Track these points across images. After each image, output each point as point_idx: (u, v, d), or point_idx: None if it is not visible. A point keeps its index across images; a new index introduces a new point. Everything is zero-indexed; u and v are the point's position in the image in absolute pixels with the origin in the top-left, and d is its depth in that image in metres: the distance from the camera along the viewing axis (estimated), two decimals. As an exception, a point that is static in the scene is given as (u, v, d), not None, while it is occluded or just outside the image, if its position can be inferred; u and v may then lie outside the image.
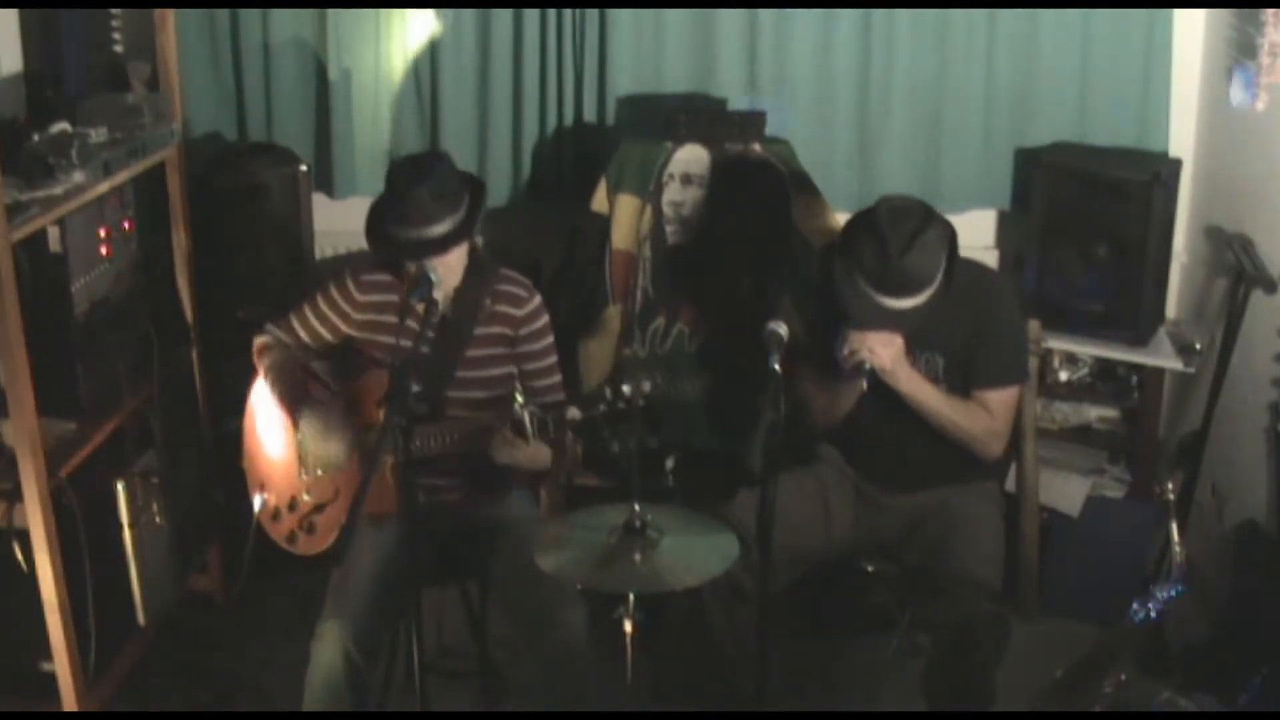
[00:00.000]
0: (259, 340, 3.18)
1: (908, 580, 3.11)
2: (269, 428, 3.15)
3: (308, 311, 3.13)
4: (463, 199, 2.98)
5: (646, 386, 2.61)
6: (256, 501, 3.14)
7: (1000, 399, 3.04)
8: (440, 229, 2.92)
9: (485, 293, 3.04)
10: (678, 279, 3.84)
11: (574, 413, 2.69)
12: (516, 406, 2.72)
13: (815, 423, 3.20)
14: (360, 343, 3.10)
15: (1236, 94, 3.59)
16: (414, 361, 2.61)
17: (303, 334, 3.14)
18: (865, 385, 2.99)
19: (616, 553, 2.52)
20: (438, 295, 2.86)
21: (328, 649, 2.79)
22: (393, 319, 3.02)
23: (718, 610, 3.01)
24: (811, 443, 3.27)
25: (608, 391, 2.65)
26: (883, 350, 2.92)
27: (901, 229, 2.85)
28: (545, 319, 3.11)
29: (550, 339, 3.12)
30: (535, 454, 2.90)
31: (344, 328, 3.11)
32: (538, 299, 3.11)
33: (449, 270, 2.96)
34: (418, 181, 2.90)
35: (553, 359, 3.12)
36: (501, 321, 3.06)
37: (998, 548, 3.09)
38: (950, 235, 2.93)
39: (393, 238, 2.93)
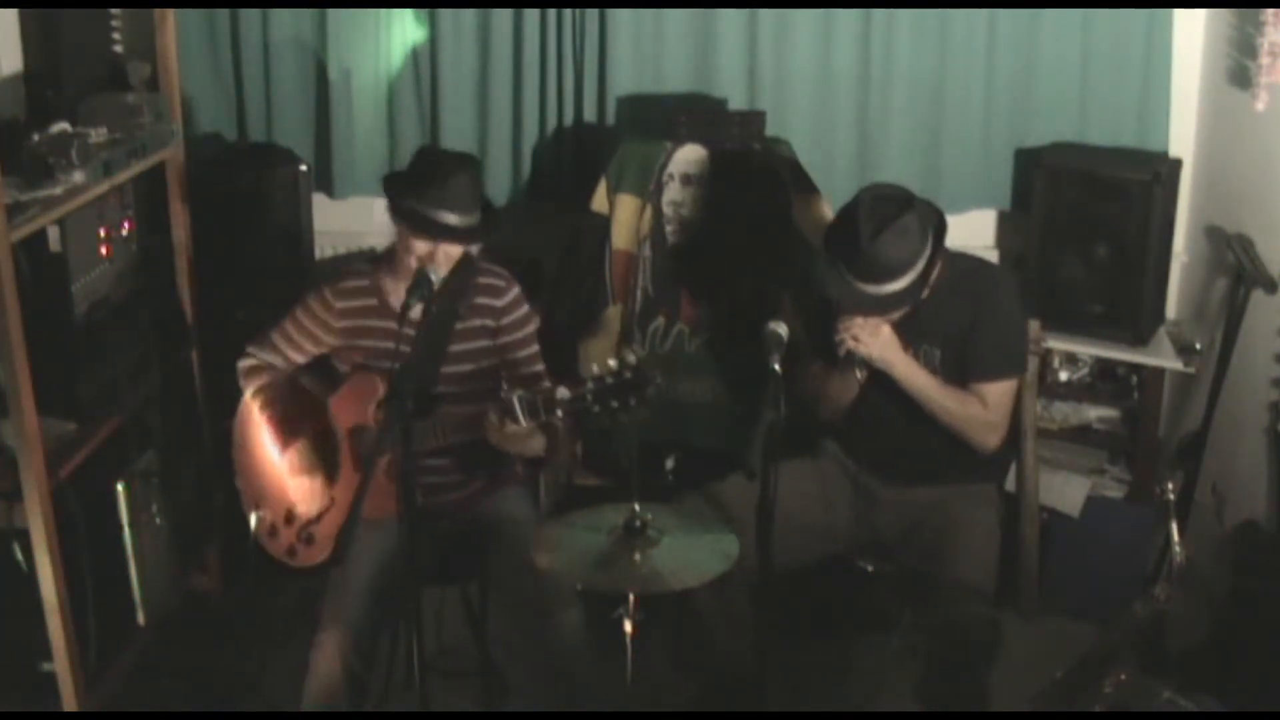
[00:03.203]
0: (243, 364, 3.18)
1: (906, 581, 3.11)
2: (258, 444, 3.15)
3: (289, 327, 3.13)
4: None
5: (632, 358, 2.62)
6: (253, 519, 3.14)
7: (994, 390, 3.03)
8: (471, 220, 2.95)
9: (467, 287, 3.04)
10: (678, 279, 3.84)
11: (563, 393, 2.69)
12: (504, 392, 2.72)
13: (819, 417, 3.21)
14: (343, 349, 3.10)
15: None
16: (416, 363, 2.61)
17: (286, 350, 3.14)
18: (861, 375, 3.00)
19: (616, 552, 2.52)
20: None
21: (327, 658, 2.79)
22: (373, 322, 3.03)
23: (709, 598, 3.00)
24: (813, 435, 3.27)
25: (595, 368, 2.66)
26: (869, 339, 2.94)
27: (876, 215, 2.87)
28: (526, 308, 3.12)
29: (532, 328, 3.12)
30: (529, 438, 2.89)
31: (325, 338, 3.11)
32: (517, 289, 3.11)
33: (448, 263, 2.97)
34: (460, 168, 2.96)
35: (535, 348, 3.12)
36: (482, 313, 3.06)
37: (992, 551, 3.09)
38: (936, 223, 2.94)
39: (425, 217, 2.92)
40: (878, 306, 2.92)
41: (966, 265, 3.11)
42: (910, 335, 3.00)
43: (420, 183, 2.95)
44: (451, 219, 2.92)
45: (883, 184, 3.02)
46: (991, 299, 3.06)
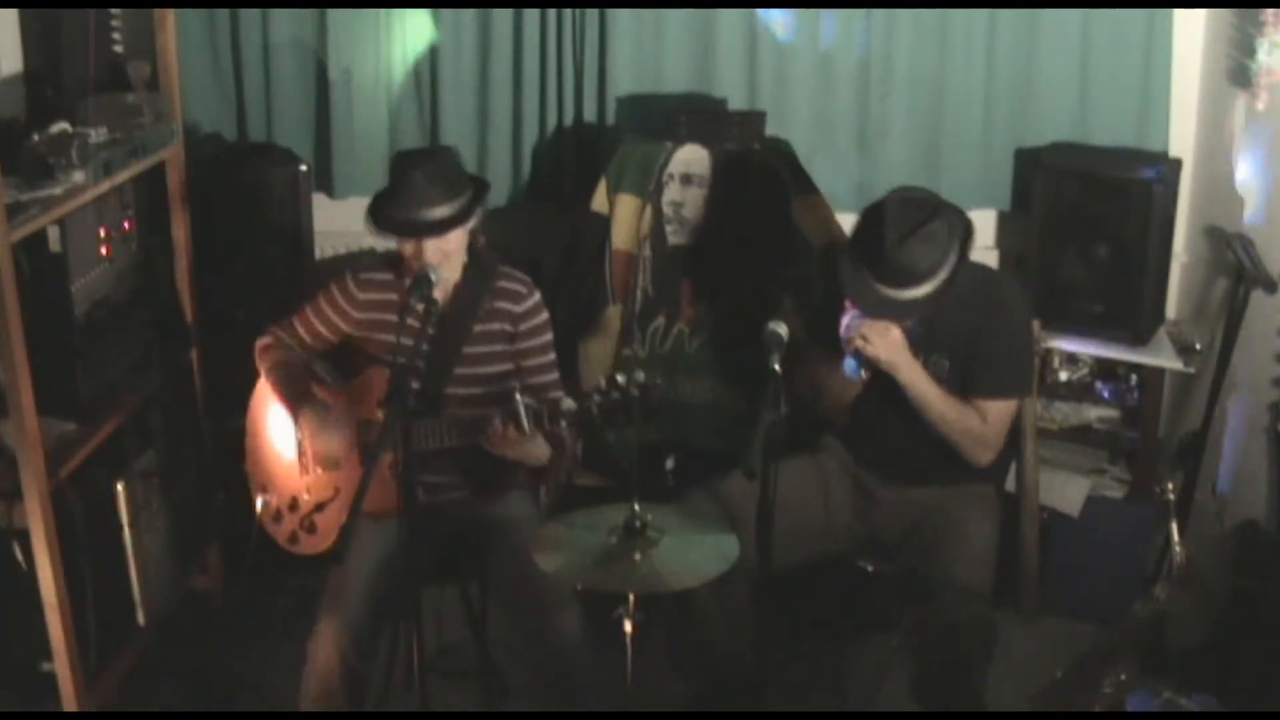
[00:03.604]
0: (261, 341, 3.19)
1: (906, 581, 3.11)
2: (271, 428, 3.16)
3: (309, 312, 3.15)
4: (464, 189, 3.00)
5: (641, 376, 2.62)
6: (259, 503, 3.15)
7: (995, 408, 3.02)
8: (438, 212, 2.94)
9: (485, 290, 3.05)
10: (678, 279, 3.84)
11: (569, 404, 2.70)
12: (514, 398, 2.73)
13: (820, 414, 3.20)
14: (361, 341, 3.10)
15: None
16: (415, 360, 2.62)
17: (304, 335, 3.15)
18: (864, 374, 2.99)
19: (616, 553, 2.52)
20: (437, 294, 2.87)
21: (324, 649, 2.79)
22: (393, 317, 3.02)
23: (709, 598, 3.00)
24: (817, 432, 3.27)
25: (603, 382, 2.66)
26: (878, 340, 2.92)
27: (905, 220, 2.84)
28: (545, 316, 3.12)
29: (549, 336, 3.13)
30: (533, 447, 2.90)
31: (345, 327, 3.11)
32: (537, 296, 3.11)
33: (447, 260, 2.97)
34: (415, 166, 2.95)
35: (550, 356, 3.12)
36: (501, 318, 3.07)
37: (990, 552, 3.09)
38: (963, 231, 2.92)
39: (390, 219, 2.96)
40: (896, 311, 2.91)
41: (983, 276, 3.08)
42: (921, 343, 2.99)
43: (388, 190, 2.99)
44: (412, 215, 2.92)
45: (912, 187, 2.99)
46: (1006, 316, 3.05)
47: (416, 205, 2.92)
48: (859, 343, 2.93)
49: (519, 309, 3.08)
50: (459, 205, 2.97)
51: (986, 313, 3.02)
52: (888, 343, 2.93)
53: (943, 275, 2.88)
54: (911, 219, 2.84)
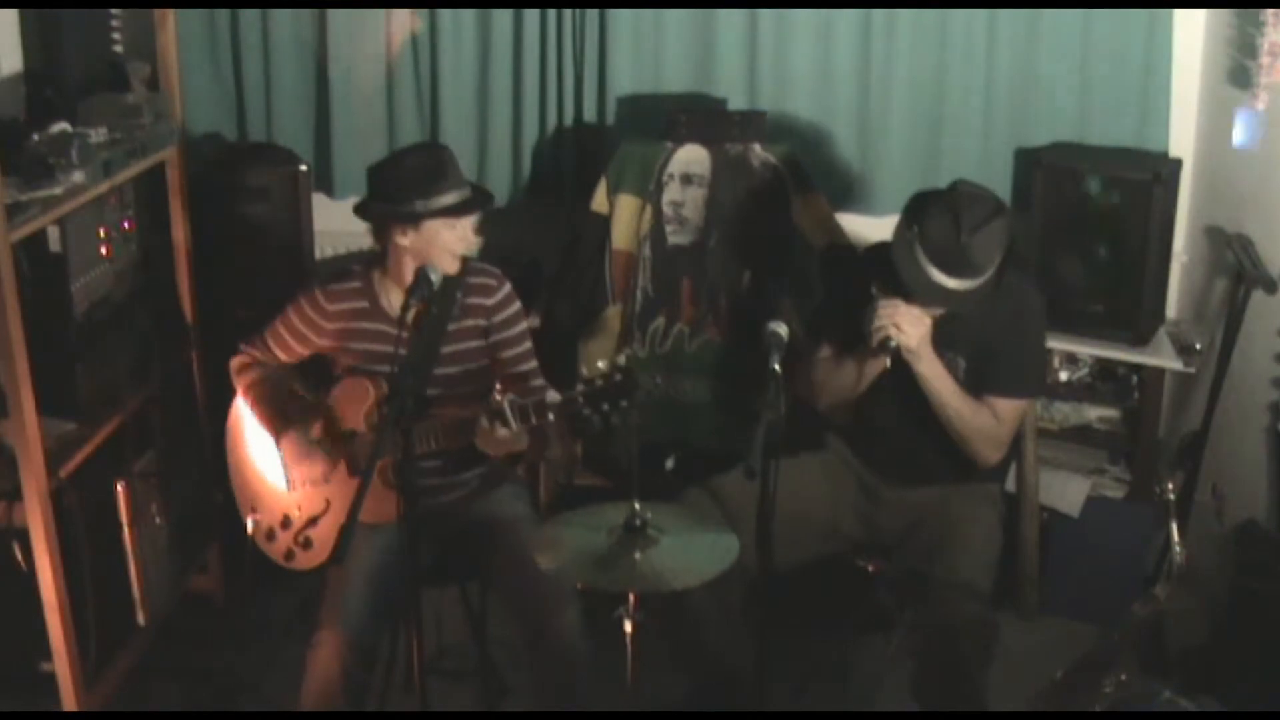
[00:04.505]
0: (236, 360, 3.19)
1: (906, 581, 3.11)
2: (253, 447, 3.16)
3: (280, 329, 3.13)
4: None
5: (621, 360, 2.62)
6: (249, 523, 3.15)
7: (1008, 407, 3.02)
8: (469, 191, 2.97)
9: (457, 287, 3.03)
10: (678, 279, 3.84)
11: (553, 397, 2.70)
12: (495, 396, 2.72)
13: (824, 412, 3.20)
14: (334, 352, 3.10)
15: (1239, 134, 3.65)
16: (411, 365, 2.61)
17: (278, 352, 3.15)
18: (889, 363, 2.98)
19: (616, 552, 2.52)
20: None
21: (324, 659, 2.79)
22: (364, 325, 3.03)
23: (704, 597, 2.98)
24: (820, 431, 3.27)
25: (584, 370, 2.66)
26: (910, 329, 2.91)
27: (977, 212, 2.85)
28: (517, 305, 3.10)
29: (524, 325, 3.12)
30: (515, 441, 2.89)
31: (318, 340, 3.10)
32: (508, 286, 3.10)
33: (470, 245, 2.97)
34: (437, 153, 2.97)
35: (528, 344, 3.10)
36: (474, 314, 3.05)
37: (992, 551, 3.09)
38: (1011, 235, 2.93)
39: (438, 204, 2.92)
40: (945, 300, 2.90)
41: (1007, 281, 3.07)
42: (941, 342, 2.99)
43: (416, 181, 2.92)
44: (463, 194, 2.93)
45: (970, 181, 2.99)
46: (1026, 321, 3.06)
47: (460, 185, 2.94)
48: (891, 329, 2.91)
49: (491, 301, 3.06)
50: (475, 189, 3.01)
51: (1006, 314, 3.01)
52: (919, 333, 2.92)
53: (989, 274, 2.89)
54: (984, 212, 2.86)
